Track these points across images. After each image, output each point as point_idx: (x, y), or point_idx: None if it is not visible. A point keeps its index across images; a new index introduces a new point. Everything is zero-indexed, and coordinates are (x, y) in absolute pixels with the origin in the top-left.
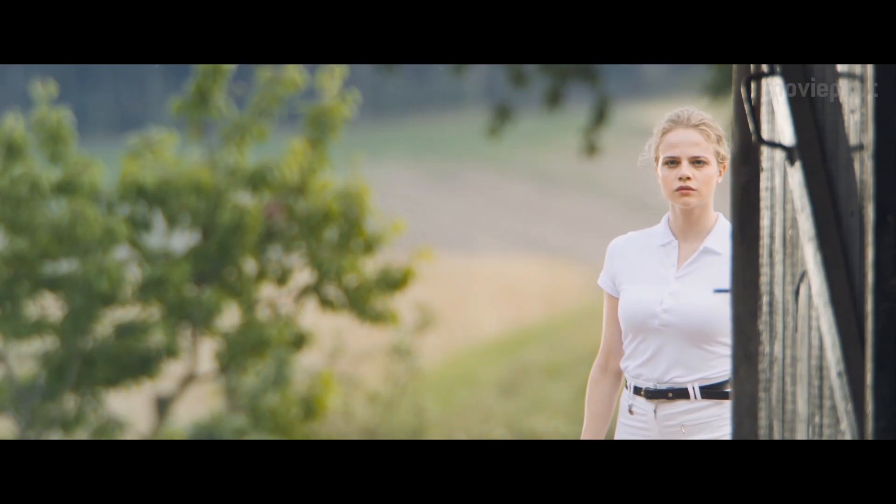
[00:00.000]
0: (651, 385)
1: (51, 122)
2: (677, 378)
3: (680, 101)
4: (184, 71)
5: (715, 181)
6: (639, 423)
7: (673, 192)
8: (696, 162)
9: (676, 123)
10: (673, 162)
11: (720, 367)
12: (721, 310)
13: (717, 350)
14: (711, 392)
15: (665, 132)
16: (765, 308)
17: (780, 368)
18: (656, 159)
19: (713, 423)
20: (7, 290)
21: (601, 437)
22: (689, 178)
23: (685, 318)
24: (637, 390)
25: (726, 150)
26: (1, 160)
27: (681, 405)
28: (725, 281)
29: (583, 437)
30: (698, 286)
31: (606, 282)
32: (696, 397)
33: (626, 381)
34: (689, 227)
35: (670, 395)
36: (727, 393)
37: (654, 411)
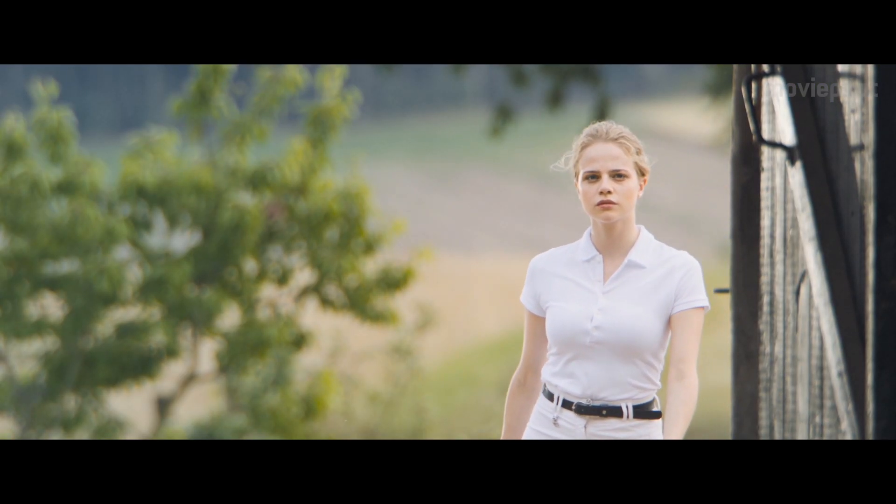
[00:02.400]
0: (584, 401)
1: (51, 122)
2: (610, 396)
3: (681, 101)
4: (184, 71)
5: (636, 194)
6: (564, 436)
7: (594, 206)
8: (617, 175)
9: (595, 137)
10: (593, 176)
11: (649, 385)
12: (650, 324)
13: (648, 366)
14: (642, 411)
15: (584, 147)
16: (765, 308)
17: (780, 368)
18: (576, 174)
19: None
20: (7, 290)
21: None
22: (609, 192)
23: (615, 334)
24: (567, 404)
25: (646, 162)
26: (1, 160)
27: (613, 423)
28: (652, 294)
29: None
30: (626, 301)
31: (529, 300)
32: (628, 416)
33: (551, 393)
34: (611, 241)
35: (604, 412)
36: (656, 413)
37: (584, 427)
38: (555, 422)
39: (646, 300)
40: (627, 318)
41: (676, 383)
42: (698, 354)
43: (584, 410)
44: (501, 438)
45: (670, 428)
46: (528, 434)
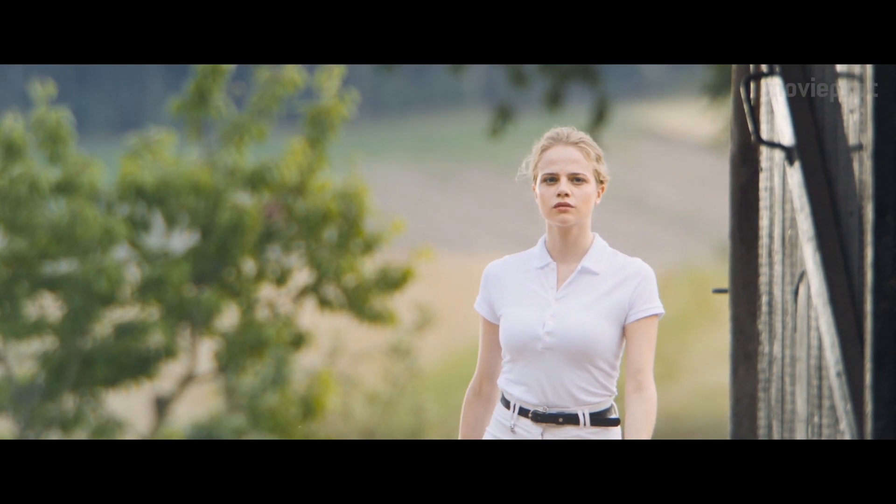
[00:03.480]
0: (541, 409)
1: (50, 122)
2: (565, 403)
3: (680, 101)
4: (183, 71)
5: (593, 200)
6: None
7: (551, 209)
8: (575, 179)
9: (556, 141)
10: (552, 179)
11: (604, 392)
12: (602, 329)
13: (603, 372)
14: (599, 419)
15: (544, 149)
16: (764, 308)
17: (779, 368)
18: (535, 177)
19: None
20: (6, 290)
21: None
22: (567, 195)
23: (568, 340)
24: (523, 412)
25: (606, 170)
26: (0, 160)
27: (570, 431)
28: (604, 300)
29: None
30: (579, 307)
31: (483, 307)
32: (585, 424)
33: (507, 401)
34: (566, 247)
35: (560, 420)
36: (614, 420)
37: (542, 435)
38: (511, 429)
39: (598, 306)
40: (578, 324)
41: (635, 395)
42: (653, 364)
43: (540, 418)
44: None
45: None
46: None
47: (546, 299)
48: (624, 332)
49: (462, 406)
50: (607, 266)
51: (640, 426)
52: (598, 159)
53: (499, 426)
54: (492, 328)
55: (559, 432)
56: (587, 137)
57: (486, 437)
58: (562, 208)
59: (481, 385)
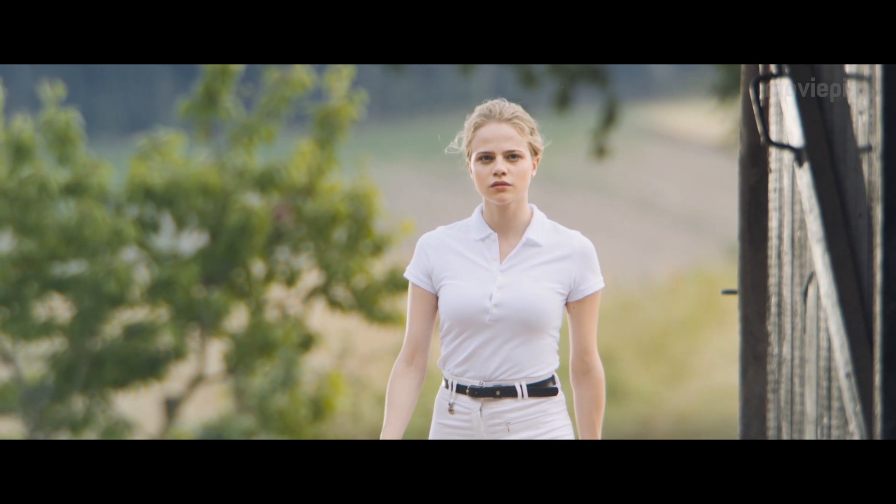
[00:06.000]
0: (477, 383)
1: (59, 123)
2: (504, 376)
3: (688, 102)
4: (192, 72)
5: (530, 175)
6: (461, 422)
7: (488, 188)
8: (511, 156)
9: (488, 118)
10: (487, 157)
11: (545, 364)
12: (550, 301)
13: (545, 344)
14: (537, 389)
15: (477, 127)
16: (773, 309)
17: (788, 369)
18: (469, 154)
19: (538, 419)
20: (15, 292)
21: (402, 433)
22: (504, 174)
23: (516, 311)
24: (461, 388)
25: (540, 141)
26: (9, 161)
27: (508, 403)
28: (549, 271)
29: (383, 435)
30: (525, 278)
31: (419, 276)
32: (523, 395)
33: (446, 380)
34: (505, 221)
35: (498, 393)
36: (552, 389)
37: (480, 410)
38: (450, 408)
39: (545, 277)
40: (528, 295)
41: (584, 379)
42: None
43: (477, 393)
44: (385, 424)
45: (587, 436)
46: (433, 427)
47: (490, 271)
48: (568, 308)
49: (390, 379)
50: (549, 238)
51: (592, 418)
52: (531, 132)
53: (438, 409)
54: (426, 298)
55: (497, 405)
56: (520, 111)
57: (432, 425)
58: (499, 187)
59: (413, 355)
